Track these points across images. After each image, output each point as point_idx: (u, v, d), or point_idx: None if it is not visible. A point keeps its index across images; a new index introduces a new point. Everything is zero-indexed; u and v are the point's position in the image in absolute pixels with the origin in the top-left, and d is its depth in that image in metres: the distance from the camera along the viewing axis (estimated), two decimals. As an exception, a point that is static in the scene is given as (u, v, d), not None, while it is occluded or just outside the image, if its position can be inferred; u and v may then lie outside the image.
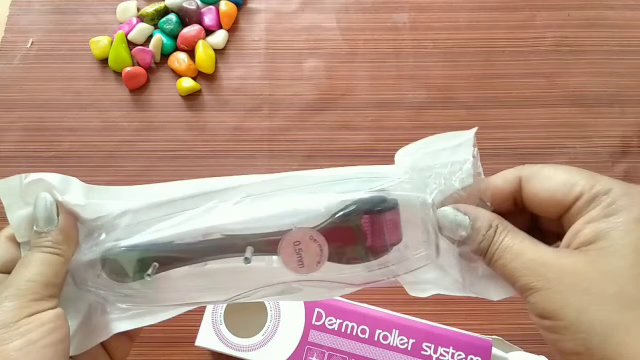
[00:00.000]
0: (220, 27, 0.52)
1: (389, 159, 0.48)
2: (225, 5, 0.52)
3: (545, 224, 0.27)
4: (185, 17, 0.52)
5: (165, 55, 0.51)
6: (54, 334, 0.23)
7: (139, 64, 0.51)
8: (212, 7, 0.52)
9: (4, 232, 0.26)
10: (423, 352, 0.38)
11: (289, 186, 0.27)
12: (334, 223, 0.26)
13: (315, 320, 0.38)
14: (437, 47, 0.52)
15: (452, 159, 0.26)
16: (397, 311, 0.39)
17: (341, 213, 0.26)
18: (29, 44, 0.52)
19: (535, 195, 0.25)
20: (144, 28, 0.51)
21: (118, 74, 0.51)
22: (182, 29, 0.52)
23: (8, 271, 0.25)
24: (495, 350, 0.39)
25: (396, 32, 0.52)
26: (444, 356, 0.38)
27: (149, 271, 0.26)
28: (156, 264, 0.26)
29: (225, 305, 0.38)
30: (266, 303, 0.38)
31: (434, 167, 0.27)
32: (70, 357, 0.25)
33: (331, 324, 0.38)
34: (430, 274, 0.27)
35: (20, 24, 0.52)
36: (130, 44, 0.52)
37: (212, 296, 0.27)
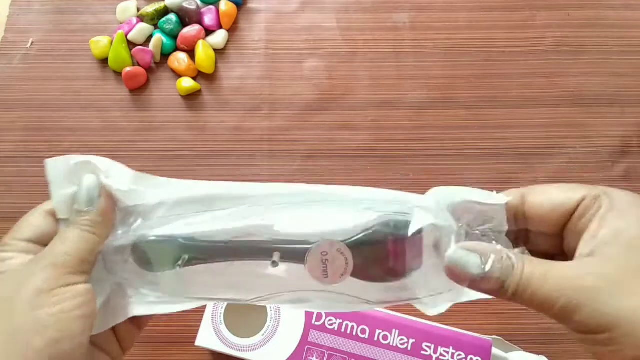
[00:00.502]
0: (220, 27, 0.52)
1: (388, 159, 0.48)
2: (225, 5, 0.52)
3: (537, 245, 0.27)
4: (185, 17, 0.52)
5: (165, 55, 0.51)
6: (85, 307, 0.24)
7: (139, 64, 0.51)
8: (212, 7, 0.52)
9: (43, 206, 0.27)
10: (423, 352, 0.38)
11: (319, 199, 0.28)
12: (361, 240, 0.26)
13: (315, 320, 0.38)
14: (437, 47, 0.52)
15: (483, 209, 0.27)
16: (397, 311, 0.39)
17: (369, 231, 0.26)
18: (29, 44, 0.52)
19: (539, 206, 0.25)
20: (144, 28, 0.51)
21: (118, 74, 0.51)
22: (182, 29, 0.52)
23: (41, 243, 0.26)
24: (495, 350, 0.39)
25: (396, 32, 0.52)
26: (444, 356, 0.38)
27: (179, 262, 0.27)
28: (186, 256, 0.27)
29: (225, 305, 0.38)
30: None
31: (465, 210, 0.27)
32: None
33: (331, 324, 0.38)
34: (446, 295, 0.27)
35: (20, 24, 0.53)
36: (130, 44, 0.52)
37: (233, 294, 0.28)
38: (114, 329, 0.28)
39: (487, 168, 0.48)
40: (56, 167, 0.26)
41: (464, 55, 0.51)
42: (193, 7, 0.51)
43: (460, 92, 0.50)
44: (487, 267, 0.23)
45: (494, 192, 0.27)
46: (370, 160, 0.48)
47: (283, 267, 0.27)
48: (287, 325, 0.38)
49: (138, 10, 0.53)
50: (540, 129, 0.49)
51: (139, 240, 0.27)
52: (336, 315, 0.38)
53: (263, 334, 0.38)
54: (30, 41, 0.52)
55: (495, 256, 0.24)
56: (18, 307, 0.22)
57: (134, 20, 0.52)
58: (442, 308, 0.27)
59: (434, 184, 0.48)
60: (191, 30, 0.51)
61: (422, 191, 0.47)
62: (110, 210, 0.27)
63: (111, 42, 0.51)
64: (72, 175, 0.26)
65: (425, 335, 0.38)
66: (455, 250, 0.24)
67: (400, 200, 0.27)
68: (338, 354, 0.38)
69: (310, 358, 0.38)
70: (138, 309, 0.28)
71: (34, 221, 0.26)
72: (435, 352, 0.38)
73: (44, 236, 0.26)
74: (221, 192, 0.28)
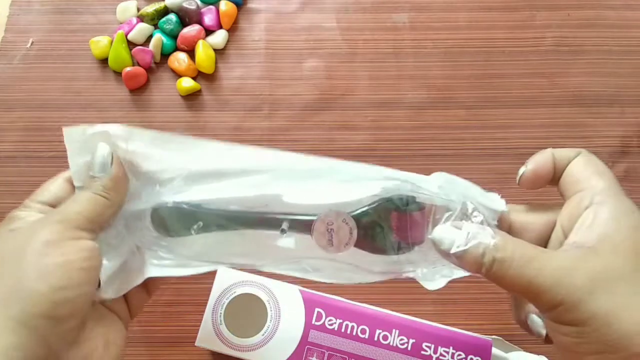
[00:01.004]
0: (220, 27, 0.52)
1: (388, 159, 0.48)
2: (225, 5, 0.52)
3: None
4: (185, 17, 0.52)
5: (165, 55, 0.51)
6: (89, 261, 0.25)
7: (139, 64, 0.51)
8: (212, 7, 0.53)
9: (63, 174, 0.29)
10: (423, 352, 0.38)
11: (327, 172, 0.29)
12: (366, 213, 0.28)
13: (315, 320, 0.38)
14: (437, 47, 0.52)
15: (482, 200, 0.28)
16: (397, 311, 0.39)
17: (374, 205, 0.28)
18: (29, 44, 0.52)
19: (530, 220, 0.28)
20: (144, 28, 0.51)
21: (118, 74, 0.51)
22: (182, 29, 0.52)
23: (57, 206, 0.28)
24: (495, 350, 0.39)
25: (396, 32, 0.52)
26: (444, 356, 0.38)
27: (194, 227, 0.29)
28: (201, 222, 0.29)
29: (225, 305, 0.38)
30: (266, 304, 0.39)
31: (466, 194, 0.28)
32: (100, 302, 0.28)
33: (331, 324, 0.38)
34: (444, 270, 0.29)
35: (20, 24, 0.53)
36: (130, 44, 0.52)
37: (245, 260, 0.30)
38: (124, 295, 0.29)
39: (487, 168, 0.48)
40: (73, 137, 0.28)
41: (464, 55, 0.51)
42: (193, 7, 0.51)
43: (460, 92, 0.50)
44: (469, 245, 0.25)
45: (496, 194, 0.28)
46: (370, 160, 0.48)
47: (291, 235, 0.29)
48: (287, 325, 0.38)
49: (138, 10, 0.53)
50: (540, 129, 0.49)
51: (158, 206, 0.29)
52: (337, 315, 0.38)
53: (263, 334, 0.38)
54: (30, 41, 0.52)
55: (478, 233, 0.25)
56: (27, 256, 0.24)
57: (134, 20, 0.52)
58: (441, 283, 0.29)
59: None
60: (191, 30, 0.51)
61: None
62: (121, 177, 0.28)
63: (111, 42, 0.51)
64: (88, 145, 0.28)
65: (425, 336, 0.38)
66: (442, 228, 0.26)
67: (406, 179, 0.29)
68: (338, 354, 0.38)
69: (310, 358, 0.38)
70: (154, 271, 0.29)
71: (52, 187, 0.28)
72: (435, 352, 0.38)
73: (60, 200, 0.28)
74: (237, 159, 0.29)
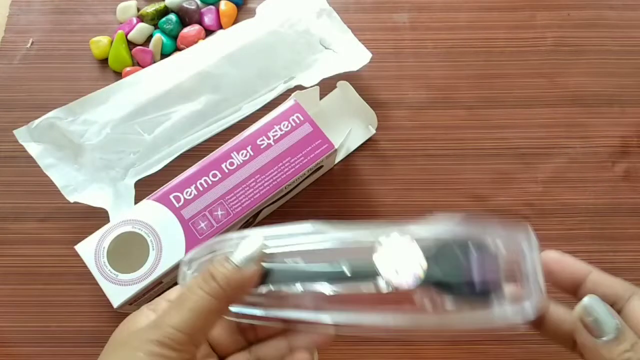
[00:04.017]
0: (220, 27, 0.52)
1: (388, 159, 0.48)
2: (225, 5, 0.52)
3: None
4: (185, 17, 0.52)
5: (165, 55, 0.51)
6: None
7: (139, 64, 0.51)
8: (212, 7, 0.52)
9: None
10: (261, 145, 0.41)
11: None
12: (444, 243, 0.25)
13: (189, 219, 0.39)
14: (437, 47, 0.52)
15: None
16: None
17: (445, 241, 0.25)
18: (29, 44, 0.52)
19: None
20: (144, 28, 0.51)
21: (118, 74, 0.51)
22: (182, 29, 0.52)
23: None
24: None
25: (396, 32, 0.52)
26: (276, 133, 0.41)
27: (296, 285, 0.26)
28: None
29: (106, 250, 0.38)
30: (145, 236, 0.39)
31: None
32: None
33: (190, 194, 0.40)
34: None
35: (20, 24, 0.52)
36: (130, 44, 0.52)
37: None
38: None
39: (487, 168, 0.48)
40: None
41: (464, 55, 0.51)
42: (193, 7, 0.51)
43: (460, 92, 0.50)
44: (620, 337, 0.22)
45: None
46: (369, 160, 0.48)
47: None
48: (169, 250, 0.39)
49: (138, 10, 0.53)
50: (540, 129, 0.49)
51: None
52: (189, 184, 0.40)
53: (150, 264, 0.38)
54: (30, 41, 0.52)
55: (629, 333, 0.22)
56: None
57: (134, 20, 0.52)
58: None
59: (434, 184, 0.48)
60: (191, 30, 0.51)
61: (422, 191, 0.47)
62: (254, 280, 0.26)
63: (111, 42, 0.51)
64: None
65: (255, 137, 0.41)
66: (599, 304, 0.23)
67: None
68: (215, 204, 0.40)
69: (200, 224, 0.39)
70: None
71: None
72: (269, 139, 0.41)
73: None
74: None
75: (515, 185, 0.47)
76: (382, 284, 0.25)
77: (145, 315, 0.26)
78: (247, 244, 0.26)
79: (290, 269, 0.26)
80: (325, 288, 0.26)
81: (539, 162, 0.48)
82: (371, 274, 0.25)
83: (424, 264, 0.24)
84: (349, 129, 0.45)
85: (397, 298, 0.25)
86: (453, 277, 0.25)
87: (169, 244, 0.38)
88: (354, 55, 0.48)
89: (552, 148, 0.48)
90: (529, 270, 0.24)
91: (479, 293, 0.24)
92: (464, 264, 0.24)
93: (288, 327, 0.28)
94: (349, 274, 0.25)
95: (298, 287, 0.26)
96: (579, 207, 0.46)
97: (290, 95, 0.43)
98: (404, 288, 0.24)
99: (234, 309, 0.27)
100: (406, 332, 0.25)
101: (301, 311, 0.26)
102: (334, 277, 0.26)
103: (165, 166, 0.47)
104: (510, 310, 0.24)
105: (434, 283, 0.25)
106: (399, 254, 0.25)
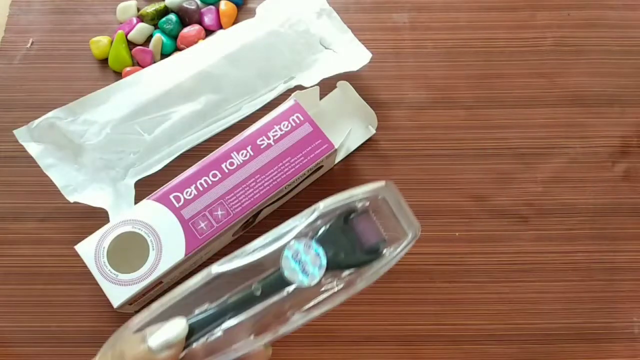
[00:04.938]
0: (220, 27, 0.52)
1: (389, 159, 0.48)
2: (225, 5, 0.52)
3: None
4: (185, 17, 0.52)
5: (165, 55, 0.51)
6: None
7: (139, 64, 0.51)
8: (212, 7, 0.53)
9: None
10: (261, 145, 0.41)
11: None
12: (328, 230, 0.28)
13: (189, 219, 0.39)
14: (437, 47, 0.52)
15: None
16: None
17: (327, 226, 0.28)
18: (29, 44, 0.52)
19: None
20: (144, 28, 0.51)
21: (118, 74, 0.51)
22: (182, 29, 0.52)
23: None
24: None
25: (396, 32, 0.52)
26: (276, 133, 0.41)
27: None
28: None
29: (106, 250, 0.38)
30: (145, 236, 0.39)
31: None
32: None
33: (190, 194, 0.40)
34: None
35: (20, 24, 0.53)
36: (130, 44, 0.52)
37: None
38: None
39: (487, 168, 0.48)
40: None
41: (464, 55, 0.51)
42: (193, 7, 0.51)
43: (460, 92, 0.50)
44: None
45: None
46: (369, 160, 0.48)
47: (268, 294, 0.27)
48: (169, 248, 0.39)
49: (138, 10, 0.53)
50: (540, 129, 0.49)
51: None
52: (188, 184, 0.40)
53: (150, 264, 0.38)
54: (30, 41, 0.52)
55: None
56: None
57: (134, 20, 0.52)
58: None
59: (434, 184, 0.48)
60: (191, 30, 0.51)
61: (423, 191, 0.47)
62: None
63: (111, 42, 0.51)
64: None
65: (254, 137, 0.41)
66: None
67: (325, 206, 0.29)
68: (215, 204, 0.40)
69: (200, 223, 0.39)
70: None
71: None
72: (268, 139, 0.41)
73: None
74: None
75: (515, 185, 0.47)
76: (292, 289, 0.27)
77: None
78: (169, 327, 0.25)
79: (204, 318, 0.27)
80: (243, 316, 0.27)
81: (538, 162, 0.48)
82: (281, 285, 0.27)
83: (322, 255, 0.27)
84: (349, 129, 0.45)
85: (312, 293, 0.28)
86: (348, 252, 0.28)
87: (169, 244, 0.38)
88: (354, 55, 0.48)
89: (552, 148, 0.48)
90: (397, 212, 0.29)
91: (371, 252, 0.28)
92: (351, 236, 0.28)
93: None
94: (258, 294, 0.27)
95: (217, 331, 0.27)
96: (579, 207, 0.46)
97: (290, 95, 0.43)
98: (315, 283, 0.27)
99: None
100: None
101: (231, 351, 0.27)
102: (247, 302, 0.27)
103: (165, 166, 0.47)
104: (400, 247, 0.28)
105: (336, 266, 0.28)
106: (301, 257, 0.27)
